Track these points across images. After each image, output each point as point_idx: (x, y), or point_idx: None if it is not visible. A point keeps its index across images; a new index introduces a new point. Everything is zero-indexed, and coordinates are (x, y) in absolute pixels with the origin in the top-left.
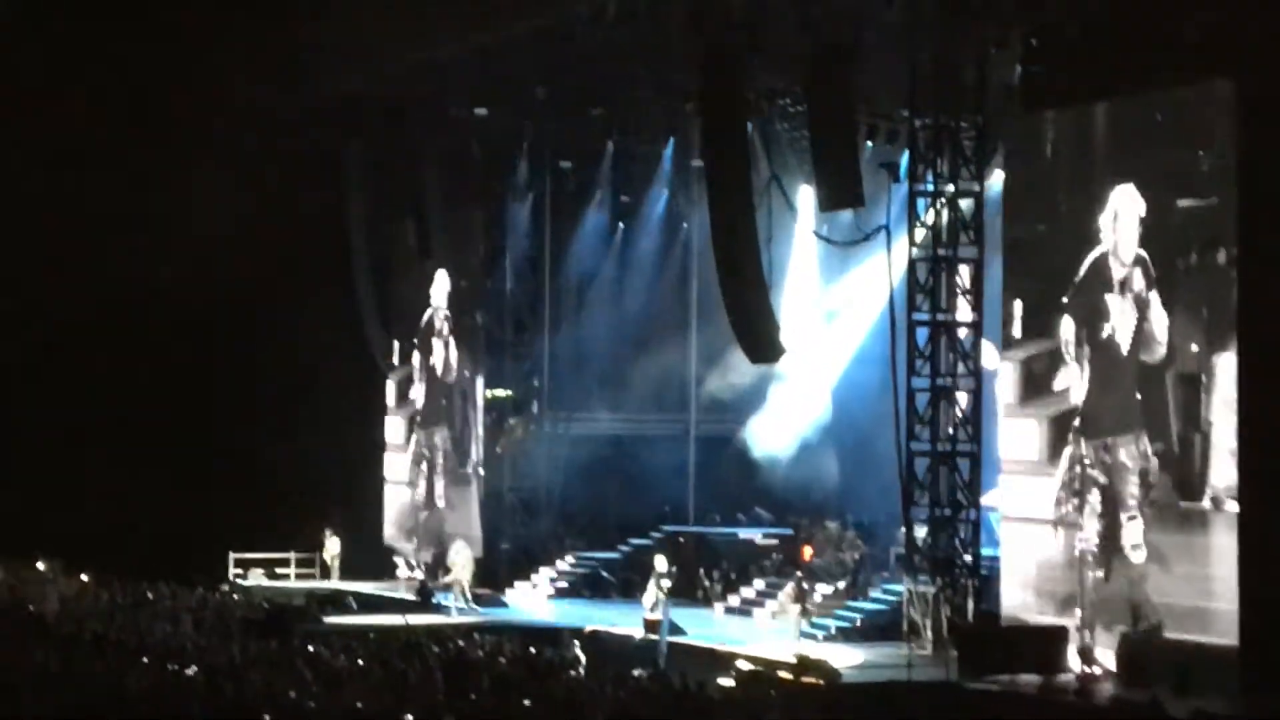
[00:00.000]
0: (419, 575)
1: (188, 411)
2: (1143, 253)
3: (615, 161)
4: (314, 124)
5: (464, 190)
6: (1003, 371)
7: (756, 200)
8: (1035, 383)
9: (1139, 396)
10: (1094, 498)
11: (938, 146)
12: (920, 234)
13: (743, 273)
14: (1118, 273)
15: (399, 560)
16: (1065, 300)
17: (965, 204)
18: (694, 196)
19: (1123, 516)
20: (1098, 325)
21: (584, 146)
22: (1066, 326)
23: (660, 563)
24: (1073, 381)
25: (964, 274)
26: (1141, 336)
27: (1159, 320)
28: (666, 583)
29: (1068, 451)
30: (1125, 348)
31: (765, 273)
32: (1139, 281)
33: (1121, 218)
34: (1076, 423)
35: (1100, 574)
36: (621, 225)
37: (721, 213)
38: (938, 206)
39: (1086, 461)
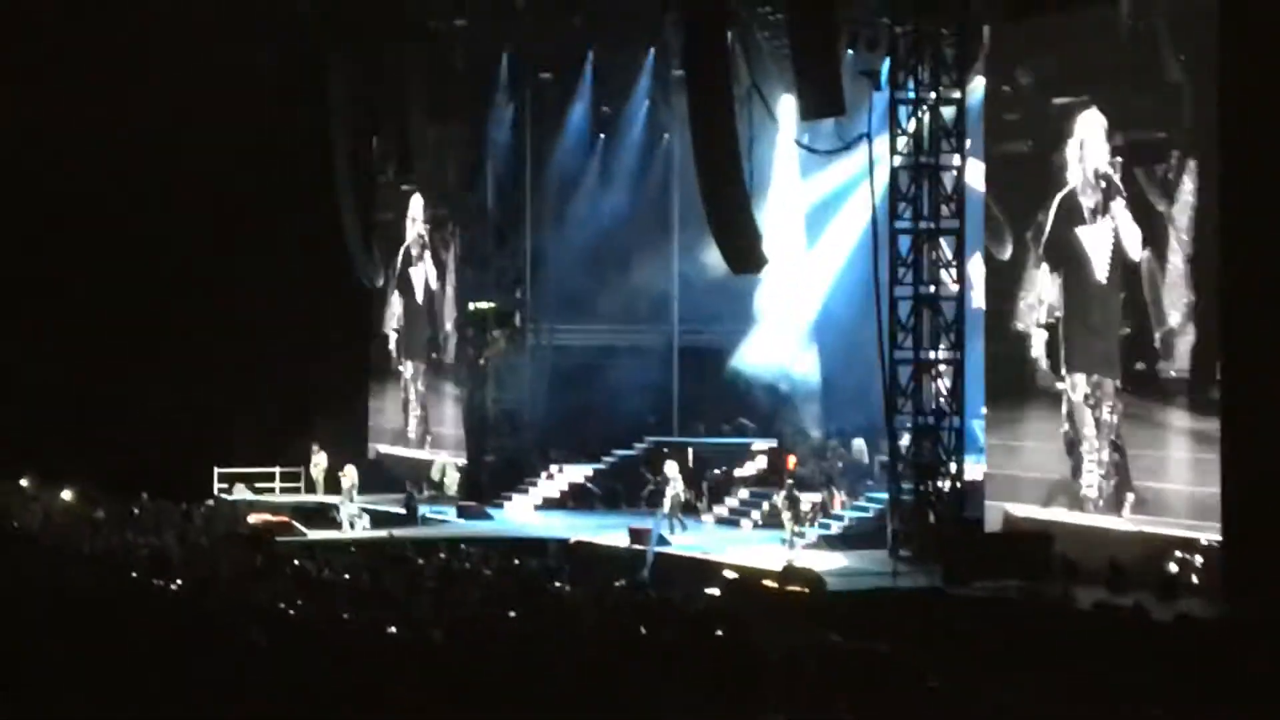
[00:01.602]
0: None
1: (173, 327)
2: (1110, 171)
3: (595, 72)
4: (296, 36)
5: (445, 103)
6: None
7: (737, 109)
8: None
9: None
10: (1089, 430)
11: (919, 53)
12: (902, 142)
13: (724, 182)
14: (1088, 201)
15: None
16: (1040, 249)
17: (947, 111)
18: (675, 106)
19: (1115, 443)
20: (1075, 266)
21: (564, 57)
22: (1044, 278)
23: (672, 468)
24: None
25: (946, 181)
26: (1118, 257)
27: (1130, 236)
28: (680, 487)
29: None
30: (1104, 277)
31: (747, 182)
32: (1108, 201)
33: (1088, 145)
34: (1063, 355)
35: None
36: (602, 136)
37: (702, 122)
38: (919, 114)
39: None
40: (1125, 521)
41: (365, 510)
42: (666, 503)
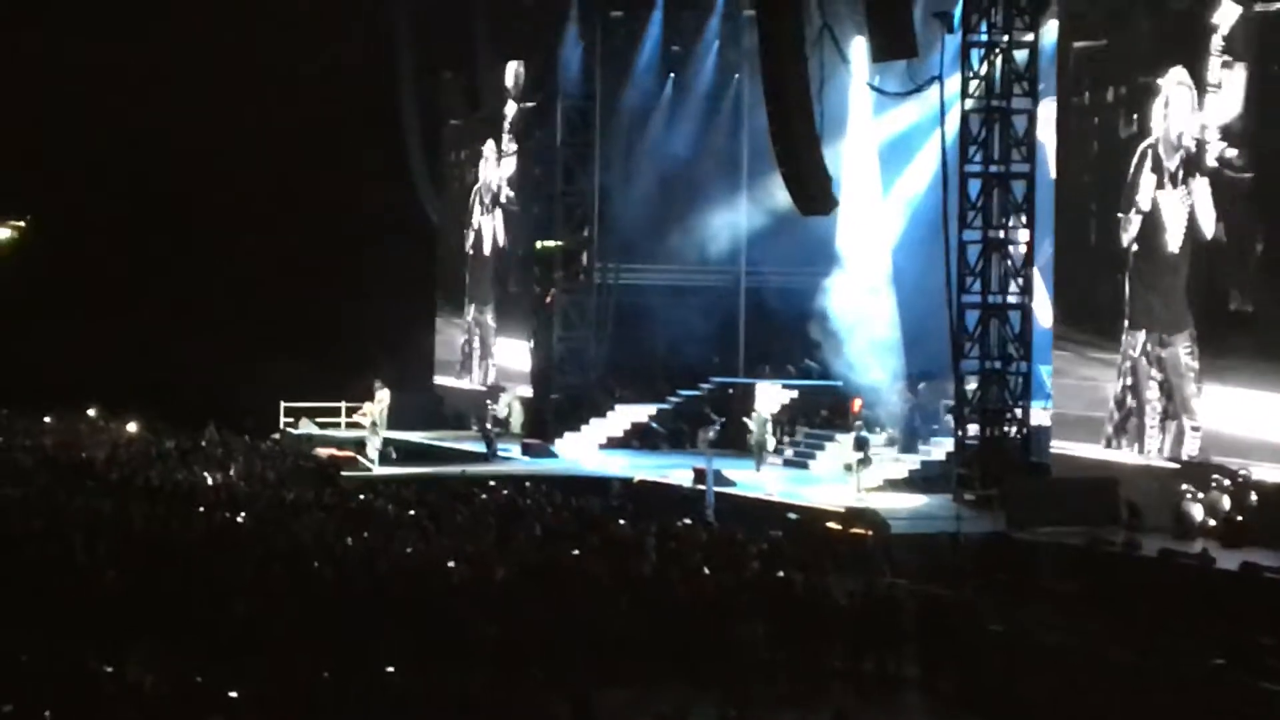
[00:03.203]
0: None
1: (241, 264)
2: (1191, 141)
3: (666, 11)
4: None
5: (514, 41)
6: None
7: (808, 50)
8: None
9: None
10: (1152, 393)
11: None
12: (973, 85)
13: (794, 124)
14: (1169, 163)
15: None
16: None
17: (1019, 55)
18: (745, 47)
19: (1179, 405)
20: (1148, 226)
21: None
22: (1123, 229)
23: (764, 408)
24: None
25: (1018, 125)
26: (1191, 232)
27: (1206, 214)
28: (769, 429)
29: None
30: (1176, 245)
31: (817, 124)
32: (1188, 173)
33: (1173, 104)
34: (1126, 320)
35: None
36: (672, 75)
37: (773, 63)
38: (991, 57)
39: (1143, 356)
40: (1185, 463)
41: (395, 444)
42: (753, 442)
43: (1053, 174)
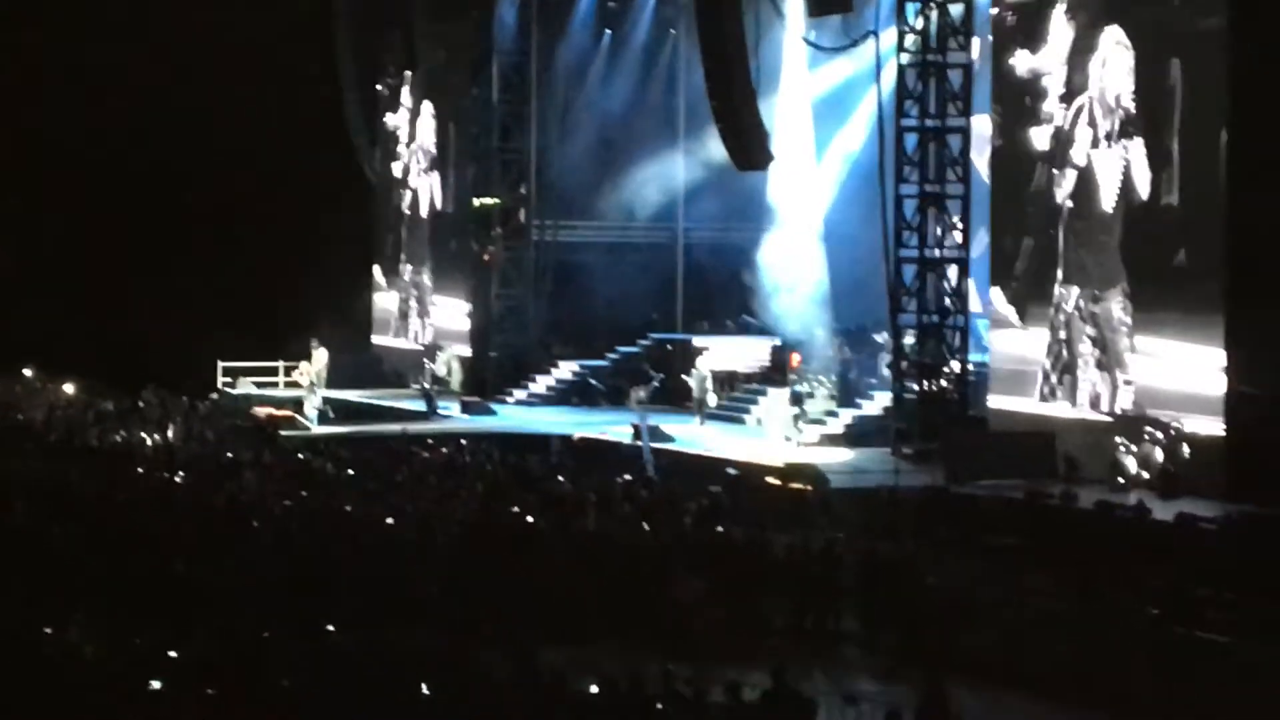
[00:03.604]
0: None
1: (176, 221)
2: (1129, 104)
3: None
4: None
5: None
6: None
7: (744, 5)
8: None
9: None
10: (1085, 348)
11: None
12: (909, 40)
13: (730, 79)
14: (1103, 124)
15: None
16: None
17: (955, 9)
18: (681, 2)
19: (1112, 359)
20: (1082, 184)
21: None
22: (1055, 196)
23: (703, 365)
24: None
25: (953, 80)
26: (1125, 191)
27: (1140, 171)
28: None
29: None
30: (1110, 203)
31: (753, 80)
32: (1123, 133)
33: (1110, 64)
34: (1059, 274)
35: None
36: (608, 32)
37: (709, 18)
38: (927, 11)
39: (1076, 311)
40: (1119, 416)
41: (333, 403)
42: (694, 399)
43: (989, 131)
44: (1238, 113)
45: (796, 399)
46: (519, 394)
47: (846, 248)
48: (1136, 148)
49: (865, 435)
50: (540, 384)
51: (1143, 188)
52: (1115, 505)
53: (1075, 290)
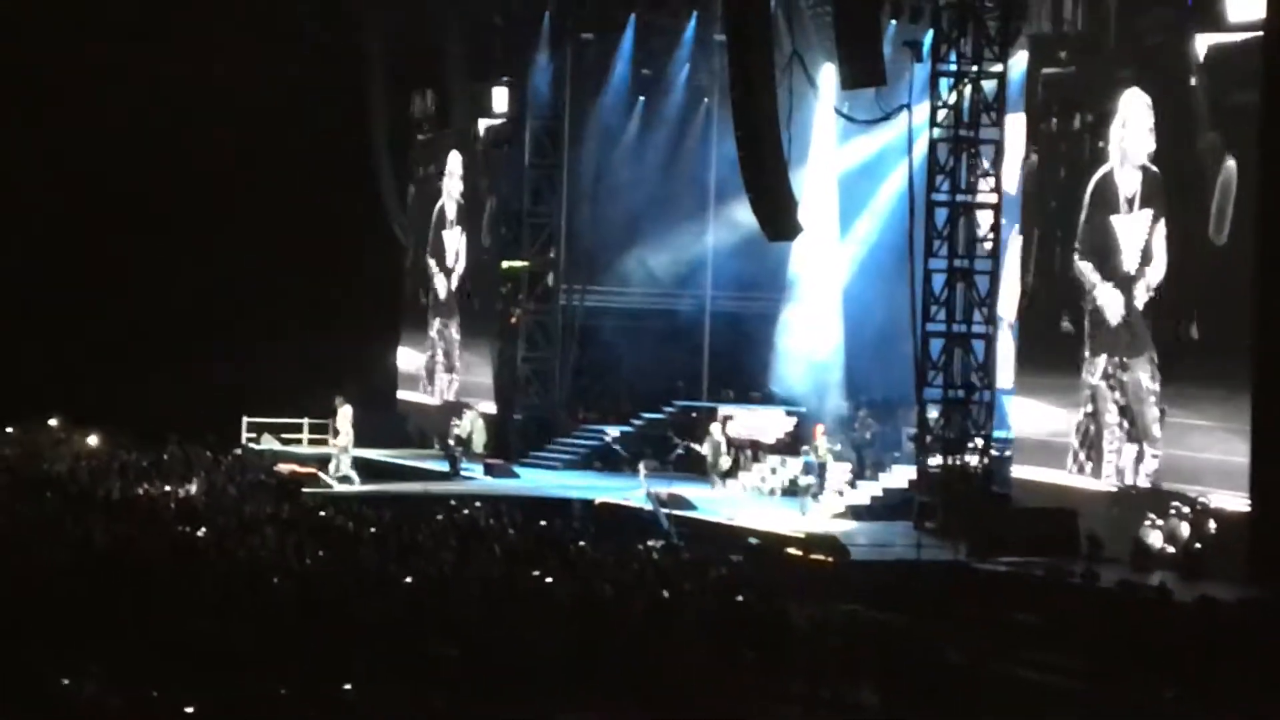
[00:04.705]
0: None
1: (205, 278)
2: (1151, 165)
3: (637, 34)
4: None
5: (484, 60)
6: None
7: (778, 76)
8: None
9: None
10: (1111, 417)
11: (961, 25)
12: (942, 114)
13: (762, 149)
14: (1125, 189)
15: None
16: (1077, 238)
17: (988, 85)
18: (715, 71)
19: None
20: (1106, 254)
21: (606, 18)
22: (1081, 266)
23: (717, 430)
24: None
25: (985, 155)
26: (1146, 253)
27: (1159, 237)
28: (724, 451)
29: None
30: (1133, 269)
31: (785, 150)
32: (1145, 195)
33: (1130, 125)
34: (1088, 344)
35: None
36: (642, 99)
37: (742, 88)
38: (960, 86)
39: (1104, 380)
40: (1145, 489)
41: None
42: (708, 463)
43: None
44: (1270, 186)
45: (808, 469)
46: (541, 456)
47: (871, 321)
48: (1159, 203)
49: (888, 508)
50: (563, 447)
51: (1162, 253)
52: (1137, 585)
53: (1103, 358)
